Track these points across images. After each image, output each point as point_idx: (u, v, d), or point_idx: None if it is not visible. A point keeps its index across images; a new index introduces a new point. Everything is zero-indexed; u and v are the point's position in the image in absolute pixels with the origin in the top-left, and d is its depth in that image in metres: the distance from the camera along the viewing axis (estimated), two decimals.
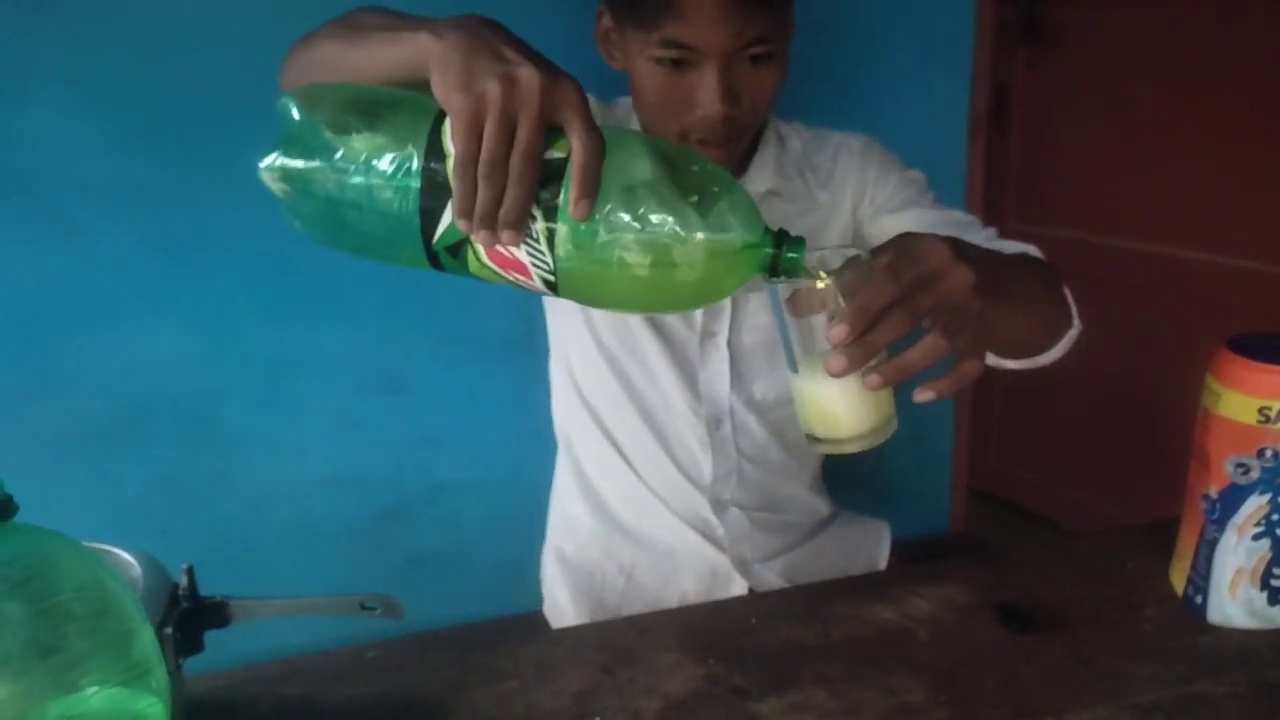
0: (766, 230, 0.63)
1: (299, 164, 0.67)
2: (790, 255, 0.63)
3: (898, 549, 1.23)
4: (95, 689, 0.44)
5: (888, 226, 1.04)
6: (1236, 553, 0.76)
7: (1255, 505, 0.74)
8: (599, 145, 0.59)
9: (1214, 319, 1.95)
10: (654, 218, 0.59)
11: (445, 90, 0.60)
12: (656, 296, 0.64)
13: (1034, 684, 0.74)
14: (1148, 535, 0.92)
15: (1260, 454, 0.72)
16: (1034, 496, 2.48)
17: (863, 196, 1.07)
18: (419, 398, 1.29)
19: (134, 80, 1.11)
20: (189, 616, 0.67)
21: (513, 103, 0.58)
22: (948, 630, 0.82)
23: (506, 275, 0.64)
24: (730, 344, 1.07)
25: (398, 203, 0.63)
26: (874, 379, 0.62)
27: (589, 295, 0.65)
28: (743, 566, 1.11)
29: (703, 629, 0.84)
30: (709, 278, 0.62)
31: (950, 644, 0.80)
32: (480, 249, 0.63)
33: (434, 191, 0.62)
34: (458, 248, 0.63)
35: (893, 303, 0.60)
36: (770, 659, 0.79)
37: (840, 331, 0.59)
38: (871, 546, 1.22)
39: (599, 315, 1.07)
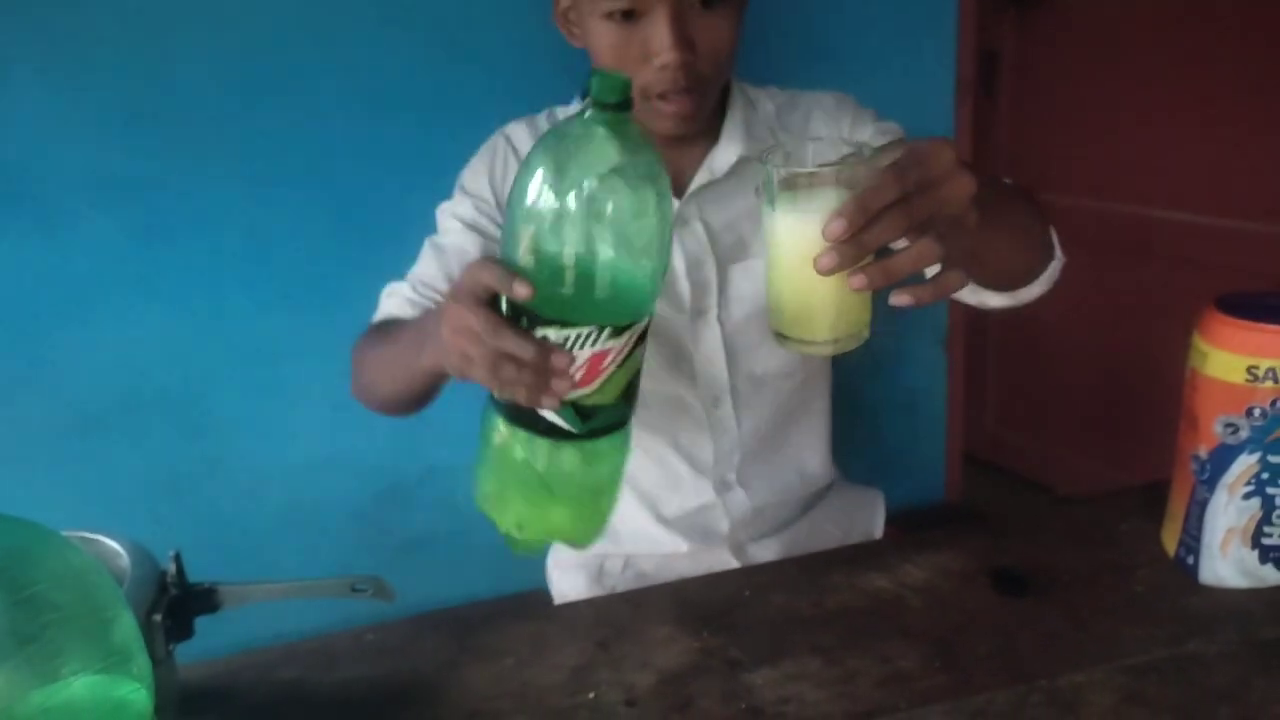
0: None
1: None
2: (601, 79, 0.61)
3: (893, 518, 1.23)
4: (76, 676, 0.44)
5: None
6: (1227, 512, 0.75)
7: (1245, 465, 0.73)
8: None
9: (1207, 280, 1.92)
10: None
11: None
12: None
13: (1029, 648, 0.74)
14: (1140, 497, 0.92)
15: (1249, 413, 0.72)
16: (1028, 462, 2.49)
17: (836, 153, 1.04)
18: None
19: (113, 68, 1.11)
20: (178, 603, 0.67)
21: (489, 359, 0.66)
22: (942, 597, 0.82)
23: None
24: (721, 319, 1.05)
25: None
26: (859, 279, 0.59)
27: None
28: (738, 550, 1.11)
29: (697, 602, 0.84)
30: None
31: (945, 610, 0.80)
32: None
33: None
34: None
35: (894, 202, 0.58)
36: (764, 630, 0.79)
37: (838, 226, 0.57)
38: (866, 517, 1.22)
39: None
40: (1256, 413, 0.71)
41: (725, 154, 1.01)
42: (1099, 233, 2.12)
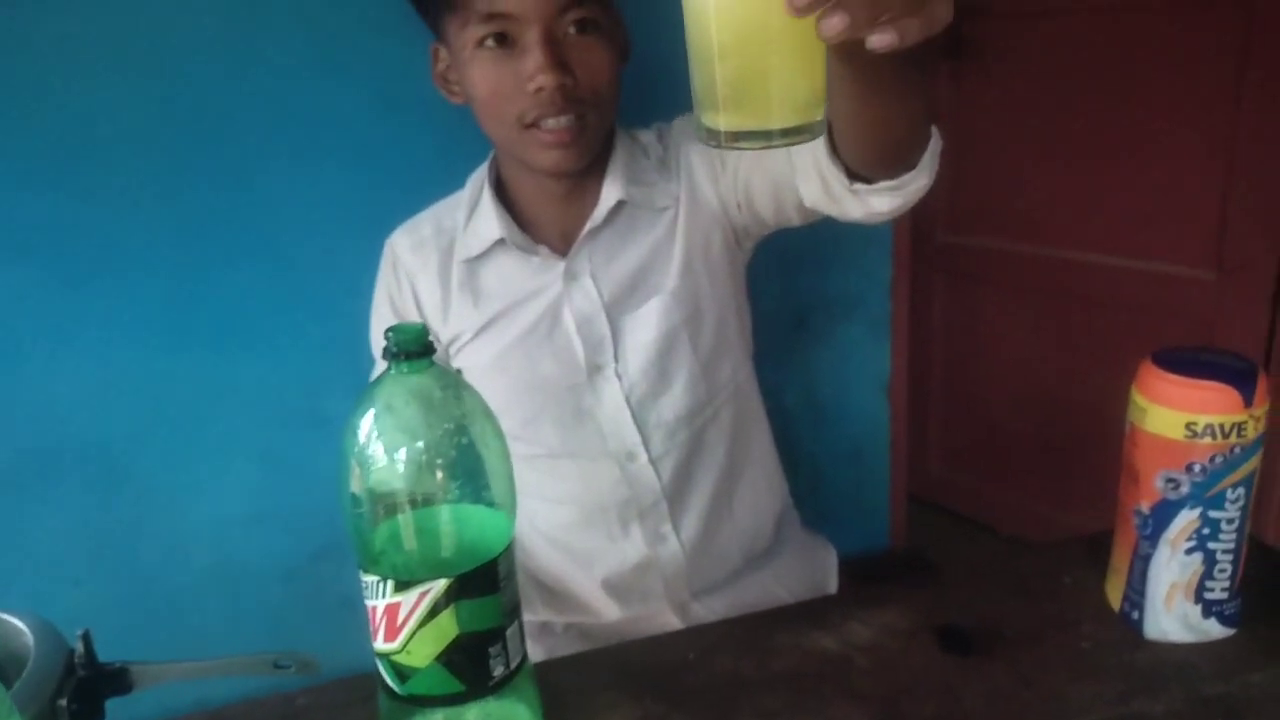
0: None
1: None
2: None
3: (841, 567, 1.22)
4: None
5: (746, 159, 0.97)
6: (1170, 567, 0.75)
7: (1186, 520, 0.73)
8: None
9: (1140, 322, 1.98)
10: None
11: None
12: None
13: (975, 707, 0.73)
14: (1083, 548, 0.92)
15: (1189, 469, 0.72)
16: (971, 502, 2.51)
17: (709, 160, 1.02)
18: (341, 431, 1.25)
19: (33, 111, 1.06)
20: (86, 685, 0.62)
21: None
22: (888, 657, 0.80)
23: None
24: (619, 373, 1.03)
25: None
26: (838, 19, 0.46)
27: None
28: (682, 609, 1.09)
29: (640, 666, 0.81)
30: None
31: (891, 671, 0.78)
32: None
33: None
34: None
35: None
36: (709, 695, 0.77)
37: None
38: (819, 571, 1.20)
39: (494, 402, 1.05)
40: (1196, 469, 0.71)
41: (608, 197, 1.00)
42: (1033, 276, 2.16)
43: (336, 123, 1.17)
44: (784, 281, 1.38)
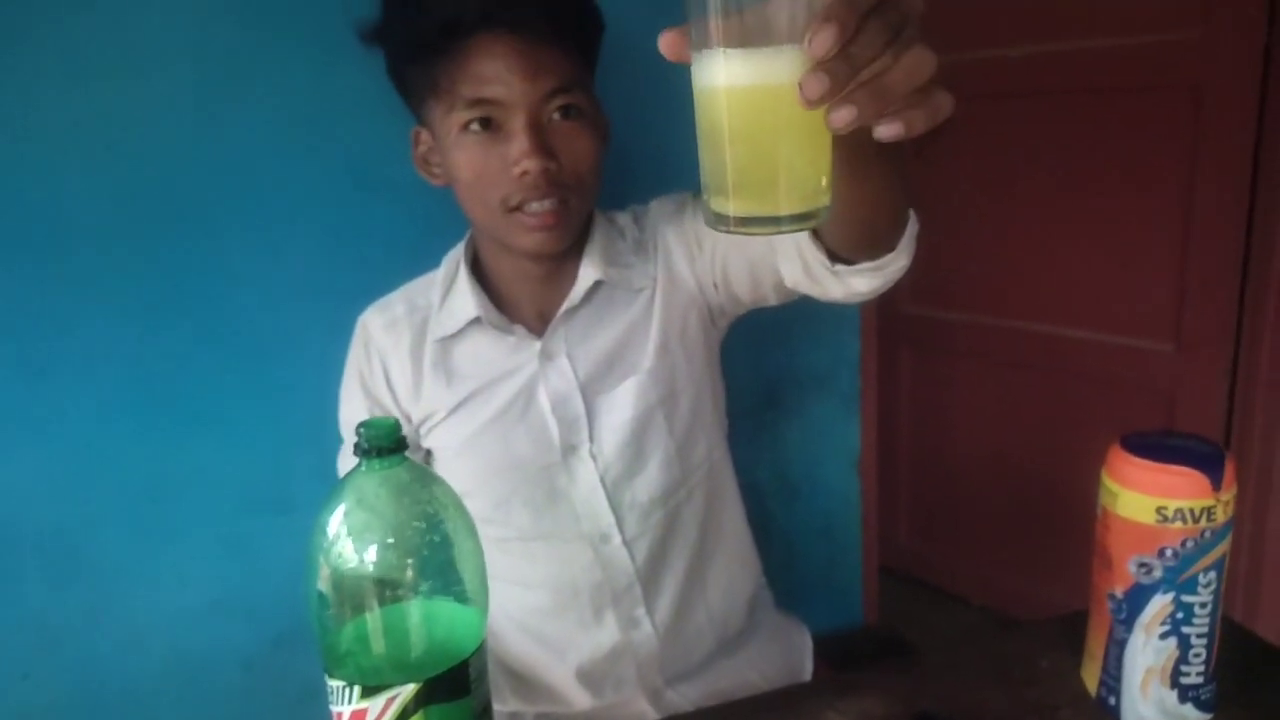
0: None
1: None
2: None
3: (816, 649, 1.20)
4: None
5: (723, 241, 0.98)
6: (1145, 652, 0.75)
7: (1160, 604, 0.73)
8: None
9: (1102, 394, 2.01)
10: None
11: None
12: None
13: None
14: (1059, 629, 0.92)
15: (1161, 553, 0.72)
16: (942, 574, 2.50)
17: (686, 242, 1.04)
18: (308, 517, 1.22)
19: None
20: None
21: None
22: None
23: None
24: (594, 453, 1.02)
25: None
26: (846, 112, 0.48)
27: None
28: (655, 697, 1.07)
29: None
30: None
31: None
32: None
33: None
34: None
35: (878, 4, 0.48)
36: None
37: (828, 35, 0.46)
38: (794, 656, 1.19)
39: (458, 483, 1.04)
40: (1168, 553, 0.72)
41: (585, 277, 1.01)
42: (999, 348, 2.19)
43: (306, 204, 1.16)
44: (754, 359, 1.39)
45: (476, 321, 1.02)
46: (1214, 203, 1.78)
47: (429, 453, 1.08)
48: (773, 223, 0.52)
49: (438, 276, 1.07)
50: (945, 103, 0.52)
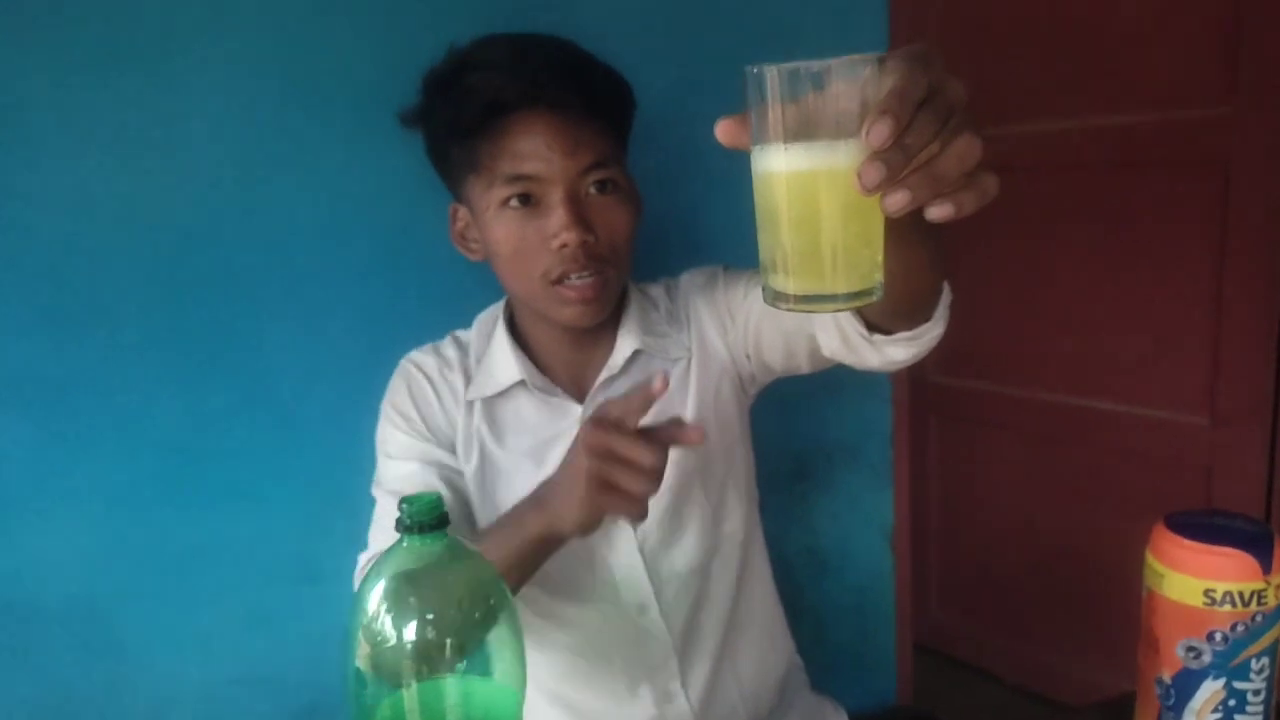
0: None
1: None
2: None
3: None
4: None
5: (755, 311, 1.01)
6: None
7: (1211, 691, 0.71)
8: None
9: (1136, 467, 1.98)
10: None
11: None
12: None
13: None
14: (1103, 715, 0.89)
15: (1210, 637, 0.70)
16: (974, 650, 2.44)
17: (718, 313, 1.06)
18: (336, 587, 1.21)
19: (38, 267, 1.08)
20: None
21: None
22: None
23: None
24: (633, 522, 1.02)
25: None
26: (900, 196, 0.51)
27: None
28: None
29: None
30: None
31: None
32: None
33: None
34: None
35: (928, 95, 0.51)
36: None
37: (884, 128, 0.49)
38: None
39: None
40: (1218, 637, 0.70)
41: (623, 347, 1.03)
42: (1029, 421, 2.17)
43: (340, 280, 1.18)
44: (783, 430, 1.38)
45: (520, 384, 1.03)
46: (1245, 276, 1.77)
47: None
48: (830, 300, 0.55)
49: (469, 336, 1.09)
50: (992, 184, 0.55)
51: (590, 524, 0.81)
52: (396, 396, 1.06)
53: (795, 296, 0.55)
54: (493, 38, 0.95)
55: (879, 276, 0.56)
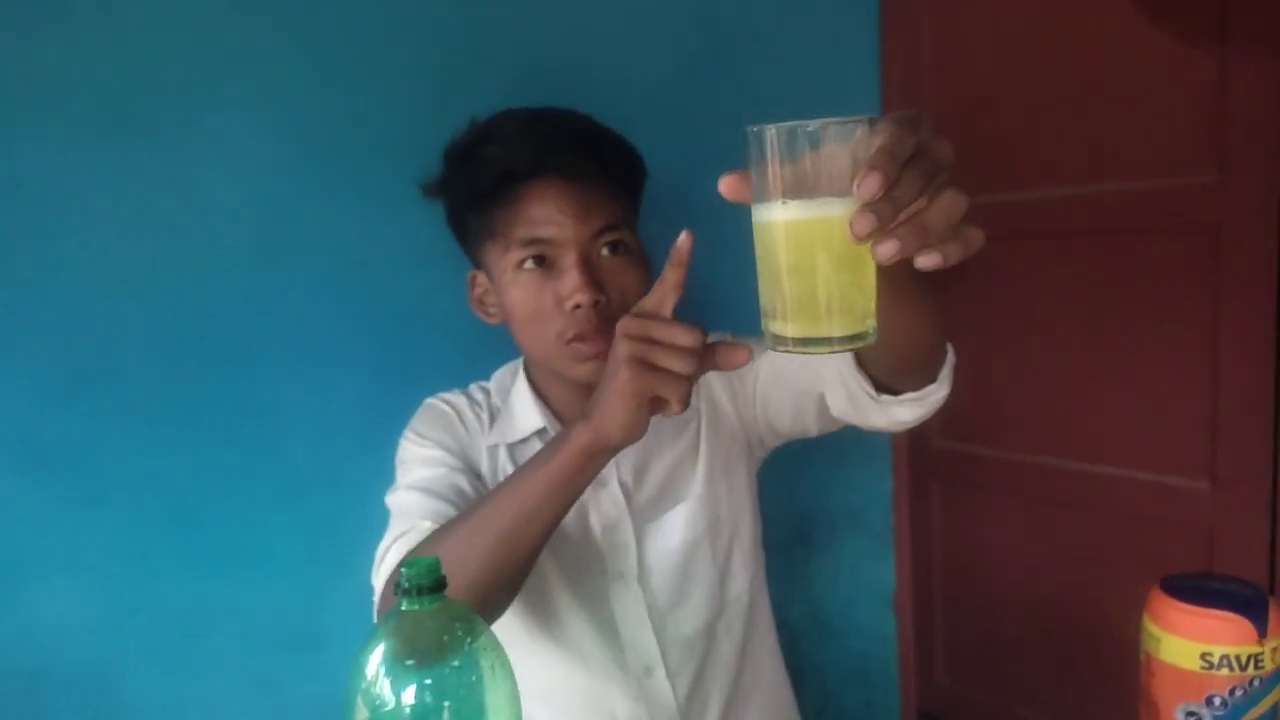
0: None
1: None
2: None
3: None
4: None
5: (764, 375, 1.04)
6: None
7: None
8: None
9: (1138, 532, 1.98)
10: None
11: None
12: None
13: None
14: None
15: (1209, 702, 0.70)
16: (982, 716, 2.41)
17: (727, 377, 1.08)
18: (342, 651, 1.21)
19: (54, 332, 1.10)
20: None
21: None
22: None
23: None
24: (641, 582, 1.04)
25: None
26: (890, 246, 0.55)
27: None
28: None
29: None
30: None
31: None
32: None
33: None
34: None
35: (915, 153, 0.55)
36: None
37: (874, 181, 0.53)
38: None
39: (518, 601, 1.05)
40: (1217, 701, 0.70)
41: None
42: (1030, 485, 2.17)
43: (351, 345, 1.21)
44: (785, 495, 1.39)
45: (541, 433, 1.05)
46: (1239, 339, 1.79)
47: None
48: (826, 343, 0.59)
49: (489, 388, 1.12)
50: (977, 237, 0.59)
51: (637, 422, 0.78)
52: (422, 424, 1.07)
53: (794, 340, 0.59)
54: (509, 111, 1.00)
55: (872, 322, 0.60)
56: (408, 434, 1.08)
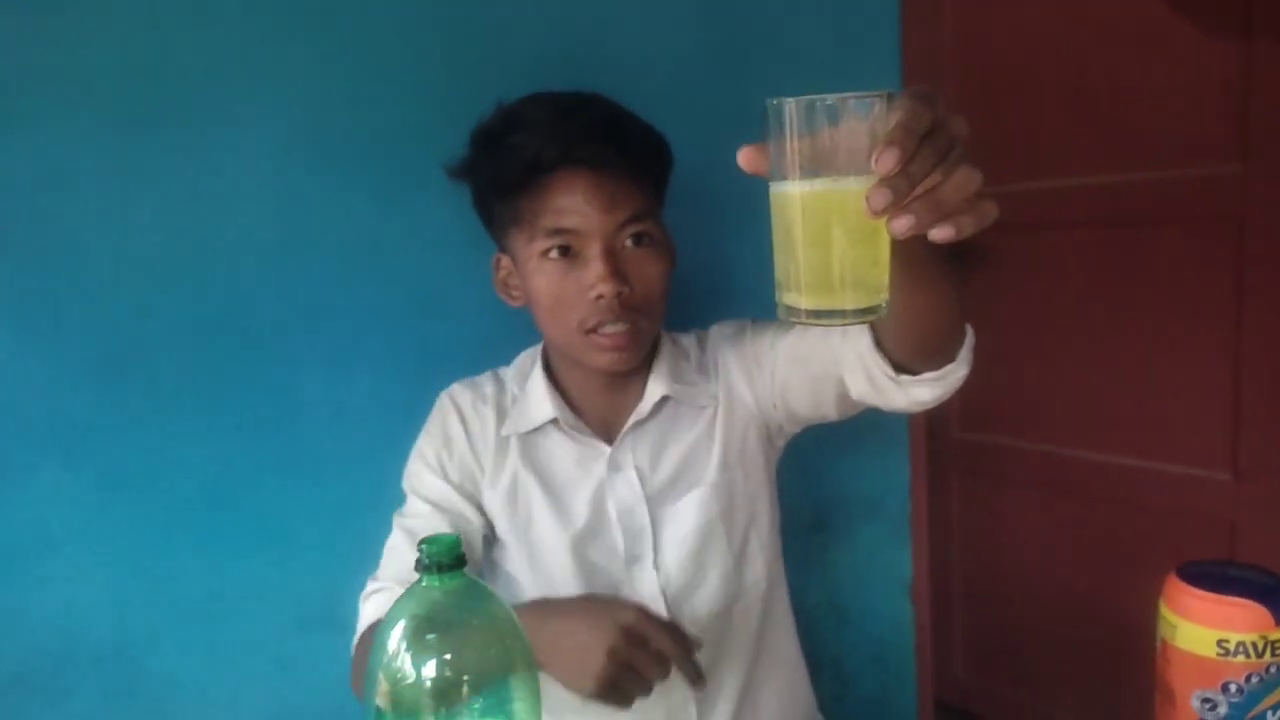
0: None
1: None
2: None
3: None
4: None
5: (782, 360, 1.04)
6: None
7: None
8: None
9: (1160, 523, 1.97)
10: None
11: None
12: None
13: None
14: None
15: (1225, 688, 0.70)
16: (998, 709, 2.41)
17: (745, 363, 1.10)
18: None
19: (84, 320, 1.12)
20: None
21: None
22: None
23: None
24: (657, 564, 1.05)
25: None
26: (905, 220, 0.55)
27: None
28: None
29: None
30: None
31: None
32: None
33: None
34: None
35: (931, 128, 0.56)
36: None
37: (891, 156, 0.54)
38: None
39: (526, 577, 1.07)
40: (1233, 688, 0.70)
41: (653, 393, 1.07)
42: (1051, 476, 2.16)
43: (371, 331, 1.22)
44: (803, 483, 1.39)
45: (553, 423, 1.07)
46: (1262, 330, 1.78)
47: (490, 547, 1.10)
48: (840, 315, 0.60)
49: (510, 373, 1.13)
50: (991, 210, 0.59)
51: (581, 690, 0.82)
52: (427, 435, 1.10)
53: (807, 311, 0.60)
54: (536, 97, 1.00)
55: (885, 295, 0.60)
56: (417, 444, 1.11)
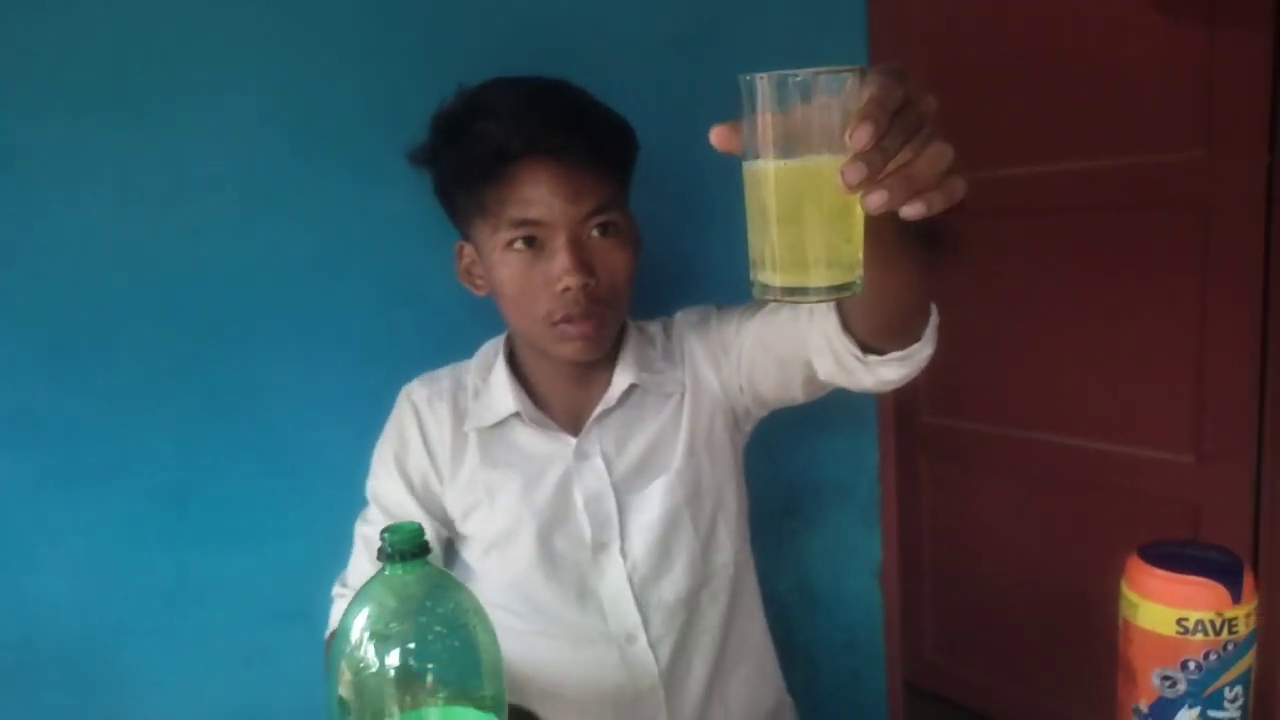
0: None
1: None
2: None
3: None
4: None
5: (748, 344, 1.05)
6: None
7: (1187, 719, 0.73)
8: None
9: (1125, 507, 2.00)
10: None
11: None
12: None
13: None
14: None
15: (1184, 666, 0.72)
16: (968, 692, 2.44)
17: (711, 349, 1.10)
18: (327, 626, 1.22)
19: (42, 307, 1.10)
20: None
21: None
22: None
23: None
24: (624, 551, 1.05)
25: None
26: (879, 195, 0.56)
27: None
28: None
29: None
30: None
31: None
32: None
33: None
34: None
35: (903, 104, 0.56)
36: None
37: (865, 131, 0.54)
38: None
39: (491, 575, 1.07)
40: (1191, 665, 0.71)
41: (619, 382, 1.07)
42: (1019, 460, 2.19)
43: (337, 320, 1.21)
44: (773, 468, 1.40)
45: (516, 416, 1.06)
46: (1226, 315, 1.81)
47: (452, 547, 1.10)
48: (814, 292, 0.60)
49: (472, 366, 1.12)
50: (959, 187, 0.60)
51: None
52: (385, 436, 1.11)
53: (781, 289, 0.60)
54: (500, 82, 0.99)
55: (859, 272, 0.60)
56: (378, 445, 1.11)
